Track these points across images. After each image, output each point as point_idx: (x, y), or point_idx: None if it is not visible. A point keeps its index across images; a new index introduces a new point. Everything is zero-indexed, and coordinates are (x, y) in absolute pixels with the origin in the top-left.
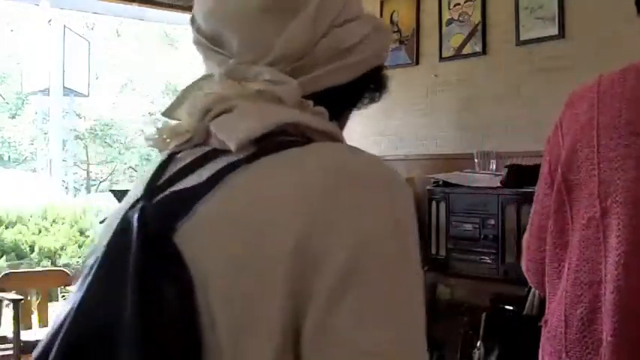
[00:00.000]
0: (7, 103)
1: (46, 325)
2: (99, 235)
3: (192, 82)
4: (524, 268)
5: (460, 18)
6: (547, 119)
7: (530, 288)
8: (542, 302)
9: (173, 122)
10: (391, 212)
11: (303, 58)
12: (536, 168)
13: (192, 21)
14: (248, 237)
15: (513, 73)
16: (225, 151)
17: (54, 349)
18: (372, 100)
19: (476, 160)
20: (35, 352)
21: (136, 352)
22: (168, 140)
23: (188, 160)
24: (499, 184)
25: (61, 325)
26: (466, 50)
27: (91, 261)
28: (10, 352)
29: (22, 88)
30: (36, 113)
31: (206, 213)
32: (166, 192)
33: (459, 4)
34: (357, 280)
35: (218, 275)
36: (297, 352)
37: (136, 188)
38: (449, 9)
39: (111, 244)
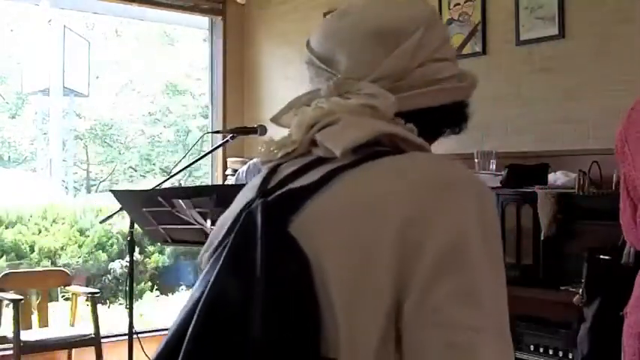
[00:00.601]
0: (7, 103)
1: (46, 325)
2: (212, 233)
3: (299, 96)
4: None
5: (460, 18)
6: (547, 119)
7: (625, 241)
8: (637, 253)
9: (279, 136)
10: (479, 213)
11: (401, 80)
12: (536, 168)
13: (308, 44)
14: (355, 227)
15: (513, 73)
16: (329, 159)
17: (193, 321)
18: (453, 131)
19: (476, 160)
20: (173, 326)
21: (263, 318)
22: (275, 151)
23: (295, 167)
24: (499, 184)
25: (197, 301)
26: (466, 50)
27: (207, 255)
28: (10, 352)
29: (22, 88)
30: (36, 113)
31: (317, 207)
32: (281, 191)
33: (459, 4)
34: (452, 267)
35: (331, 259)
36: (399, 327)
37: (244, 194)
38: (449, 9)
39: (237, 234)
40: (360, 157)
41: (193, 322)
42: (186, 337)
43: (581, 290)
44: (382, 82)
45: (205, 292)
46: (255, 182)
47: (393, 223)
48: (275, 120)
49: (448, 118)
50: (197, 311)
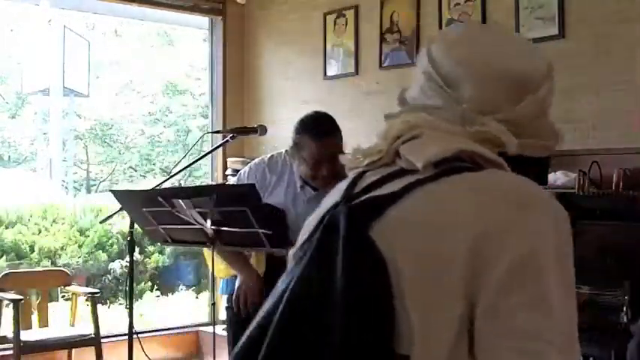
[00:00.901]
0: (7, 103)
1: (46, 325)
2: (301, 232)
3: (415, 105)
4: None
5: (460, 18)
6: None
7: None
8: None
9: (365, 146)
10: (555, 234)
11: (521, 126)
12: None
13: (429, 54)
14: (433, 236)
15: None
16: (411, 171)
17: (277, 315)
18: (536, 179)
19: None
20: (257, 319)
21: (342, 315)
22: (361, 159)
23: (379, 176)
24: None
25: (280, 297)
26: None
27: (292, 252)
28: (10, 352)
29: (22, 88)
30: (36, 113)
31: (397, 215)
32: (364, 197)
33: (459, 4)
34: (524, 280)
35: (407, 265)
36: (471, 332)
37: (331, 196)
38: (449, 9)
39: (321, 236)
40: (441, 170)
41: (277, 317)
42: (270, 331)
43: (624, 308)
44: (507, 124)
45: (289, 289)
46: (341, 186)
47: (469, 237)
48: (388, 117)
49: (543, 169)
50: (281, 306)
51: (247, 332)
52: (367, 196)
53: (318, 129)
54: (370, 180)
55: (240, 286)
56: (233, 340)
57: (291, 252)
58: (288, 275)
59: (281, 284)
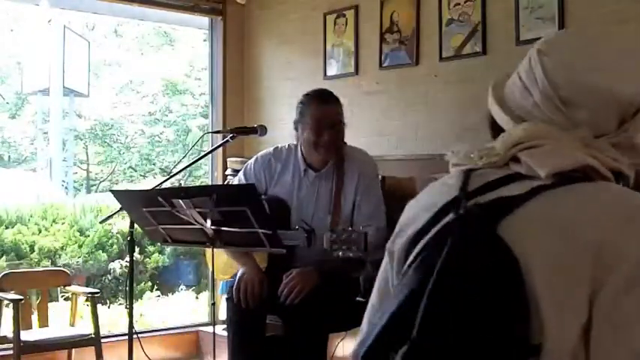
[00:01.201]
0: (7, 103)
1: (46, 325)
2: (403, 220)
3: (532, 113)
4: None
5: (460, 18)
6: None
7: None
8: None
9: (481, 147)
10: None
11: (623, 148)
12: None
13: (545, 72)
14: (560, 238)
15: None
16: (528, 176)
17: (421, 311)
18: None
19: None
20: (385, 314)
21: (480, 305)
22: (475, 158)
23: (494, 177)
24: None
25: (413, 293)
26: (466, 50)
27: (402, 241)
28: (10, 352)
29: (22, 88)
30: (36, 113)
31: (523, 216)
32: (492, 197)
33: (459, 4)
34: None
35: (535, 262)
36: (589, 328)
37: (439, 191)
38: (449, 9)
39: (457, 234)
40: (559, 179)
41: (422, 312)
42: (417, 325)
43: None
44: (617, 146)
45: (430, 286)
46: (451, 182)
47: (591, 243)
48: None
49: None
50: (424, 303)
51: (379, 325)
52: (493, 196)
53: (320, 96)
54: (485, 180)
55: (241, 276)
56: (233, 332)
57: (395, 240)
58: (417, 271)
59: (411, 280)
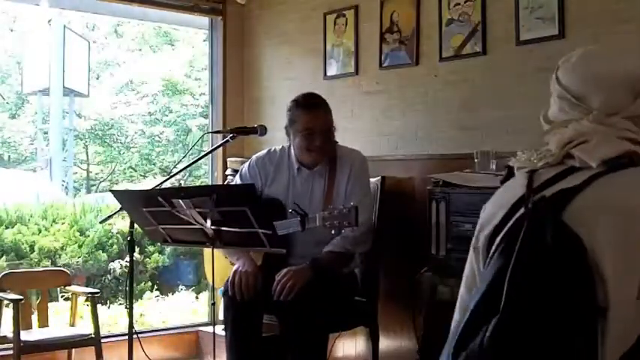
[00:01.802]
0: (7, 103)
1: (46, 325)
2: (485, 217)
3: (561, 121)
4: None
5: (460, 18)
6: None
7: None
8: None
9: (536, 151)
10: None
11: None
12: None
13: (559, 81)
14: (617, 215)
15: (513, 73)
16: (582, 168)
17: (505, 294)
18: None
19: (476, 160)
20: (472, 301)
21: (555, 277)
22: (535, 161)
23: (553, 173)
24: (499, 184)
25: (501, 274)
26: (466, 50)
27: (486, 234)
28: (10, 352)
29: (22, 88)
30: (36, 113)
31: (584, 201)
32: (552, 191)
33: (459, 4)
34: None
35: (598, 239)
36: None
37: (512, 189)
38: (449, 9)
39: (528, 223)
40: (609, 167)
41: (506, 289)
42: (503, 300)
43: None
44: (631, 120)
45: (511, 267)
46: (520, 182)
47: None
48: (545, 134)
49: None
50: (507, 282)
51: (469, 311)
52: (555, 189)
53: (308, 103)
54: (546, 177)
55: (236, 269)
56: (229, 329)
57: (480, 233)
58: (501, 256)
59: (494, 264)
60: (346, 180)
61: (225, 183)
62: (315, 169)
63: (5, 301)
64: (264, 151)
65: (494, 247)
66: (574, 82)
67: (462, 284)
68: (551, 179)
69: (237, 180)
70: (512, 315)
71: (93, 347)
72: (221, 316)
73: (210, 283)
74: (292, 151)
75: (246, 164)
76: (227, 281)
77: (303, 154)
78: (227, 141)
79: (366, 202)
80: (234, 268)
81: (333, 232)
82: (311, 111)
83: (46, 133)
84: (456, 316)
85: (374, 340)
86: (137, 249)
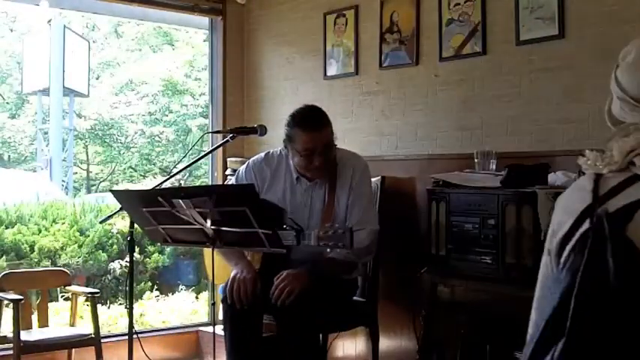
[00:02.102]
0: (7, 103)
1: (46, 325)
2: (555, 221)
3: (625, 125)
4: None
5: (460, 18)
6: (547, 119)
7: None
8: None
9: (602, 155)
10: None
11: None
12: (536, 168)
13: (617, 81)
14: None
15: (513, 73)
16: None
17: (571, 311)
18: None
19: (476, 160)
20: (553, 302)
21: (618, 293)
22: (601, 167)
23: (620, 179)
24: (499, 184)
25: (567, 294)
26: (466, 50)
27: (557, 240)
28: (10, 352)
29: (22, 88)
30: (36, 113)
31: None
32: (617, 203)
33: (459, 4)
34: None
35: None
36: None
37: (579, 195)
38: (449, 9)
39: (594, 237)
40: None
41: (572, 311)
42: (569, 321)
43: None
44: None
45: (576, 289)
46: (588, 186)
47: None
48: (610, 138)
49: None
50: (572, 304)
51: (544, 321)
52: (622, 202)
53: (308, 122)
54: (612, 184)
55: (234, 276)
56: (229, 334)
57: (552, 239)
58: (572, 265)
59: (565, 276)
60: (347, 193)
61: (225, 183)
62: (316, 181)
63: (5, 301)
64: (261, 155)
65: (563, 259)
66: (632, 84)
67: (538, 284)
68: (616, 187)
69: (233, 183)
70: (577, 342)
71: (93, 347)
72: (221, 316)
73: (211, 282)
74: (291, 160)
75: (243, 167)
76: (225, 286)
77: (302, 170)
78: (227, 141)
79: (370, 216)
80: (232, 274)
81: (328, 250)
82: (310, 132)
83: (46, 133)
84: (533, 315)
85: (374, 340)
86: (137, 249)
